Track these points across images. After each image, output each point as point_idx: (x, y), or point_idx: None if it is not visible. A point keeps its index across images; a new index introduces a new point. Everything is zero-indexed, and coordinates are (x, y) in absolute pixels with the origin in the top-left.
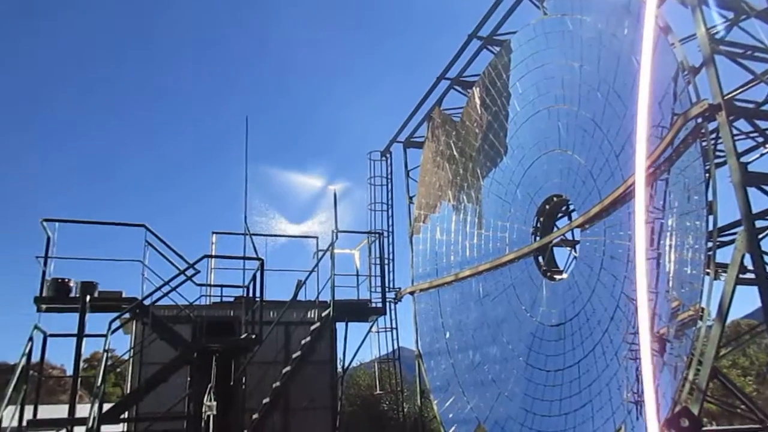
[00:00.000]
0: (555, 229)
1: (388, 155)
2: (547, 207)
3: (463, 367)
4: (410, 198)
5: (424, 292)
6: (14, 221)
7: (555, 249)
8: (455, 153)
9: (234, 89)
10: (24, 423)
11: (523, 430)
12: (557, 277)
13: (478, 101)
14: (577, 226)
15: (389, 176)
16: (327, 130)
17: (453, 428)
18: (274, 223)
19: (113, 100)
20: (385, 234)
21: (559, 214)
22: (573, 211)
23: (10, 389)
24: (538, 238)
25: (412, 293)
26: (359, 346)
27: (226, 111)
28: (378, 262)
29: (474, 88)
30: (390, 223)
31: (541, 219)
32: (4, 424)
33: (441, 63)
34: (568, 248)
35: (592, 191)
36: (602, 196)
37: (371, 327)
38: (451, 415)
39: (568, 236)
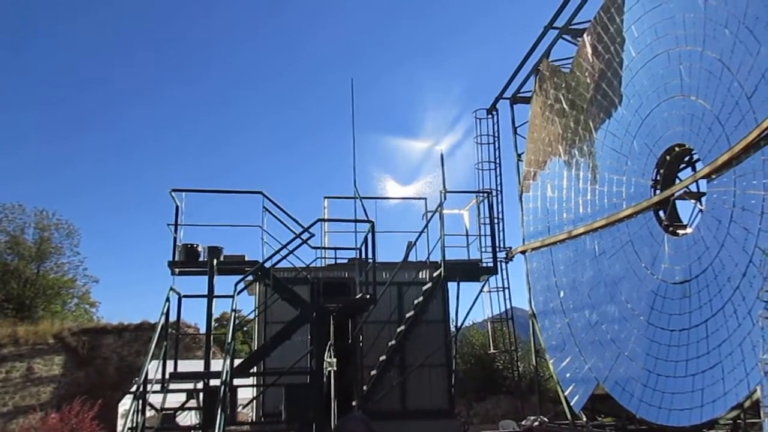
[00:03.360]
0: (677, 181)
1: (494, 112)
2: (668, 158)
3: (580, 327)
4: (518, 155)
5: (536, 251)
6: (146, 191)
7: (677, 202)
8: (565, 106)
9: (338, 54)
10: (167, 375)
11: (645, 390)
12: (680, 231)
13: (589, 49)
14: (703, 177)
15: (496, 134)
16: (431, 90)
17: (571, 387)
18: (383, 186)
19: (233, 78)
20: (494, 193)
21: (682, 165)
22: (698, 161)
23: (153, 345)
24: (658, 192)
25: (523, 252)
26: (471, 306)
27: (332, 77)
28: (487, 221)
29: (584, 35)
30: (498, 181)
31: (662, 171)
32: (150, 375)
33: (547, 12)
34: (693, 201)
35: (719, 138)
36: (731, 143)
37: (483, 287)
38: (568, 375)
39: (693, 188)
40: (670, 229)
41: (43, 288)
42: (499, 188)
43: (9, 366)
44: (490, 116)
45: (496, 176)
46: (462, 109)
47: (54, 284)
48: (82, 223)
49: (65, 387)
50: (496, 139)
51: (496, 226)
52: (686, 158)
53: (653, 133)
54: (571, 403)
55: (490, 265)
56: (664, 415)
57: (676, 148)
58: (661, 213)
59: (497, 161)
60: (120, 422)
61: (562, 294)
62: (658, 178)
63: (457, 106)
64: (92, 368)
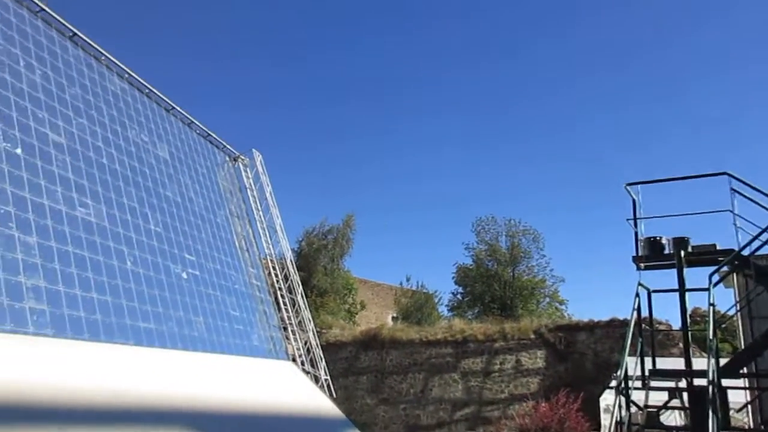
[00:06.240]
0: None
1: None
2: None
3: None
4: None
5: None
6: (600, 189)
7: None
8: None
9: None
10: (646, 372)
11: None
12: None
13: None
14: None
15: None
16: None
17: None
18: None
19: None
20: None
21: None
22: None
23: (628, 341)
24: None
25: None
26: None
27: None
28: None
29: None
30: None
31: None
32: (629, 372)
33: None
34: None
35: None
36: None
37: None
38: None
39: None
40: None
41: (519, 289)
42: None
43: (501, 358)
44: None
45: None
46: None
47: (527, 285)
48: (543, 227)
49: (549, 379)
50: None
51: None
52: None
53: None
54: None
55: None
56: None
57: None
58: None
59: None
60: (603, 416)
61: None
62: None
63: None
64: (570, 363)
